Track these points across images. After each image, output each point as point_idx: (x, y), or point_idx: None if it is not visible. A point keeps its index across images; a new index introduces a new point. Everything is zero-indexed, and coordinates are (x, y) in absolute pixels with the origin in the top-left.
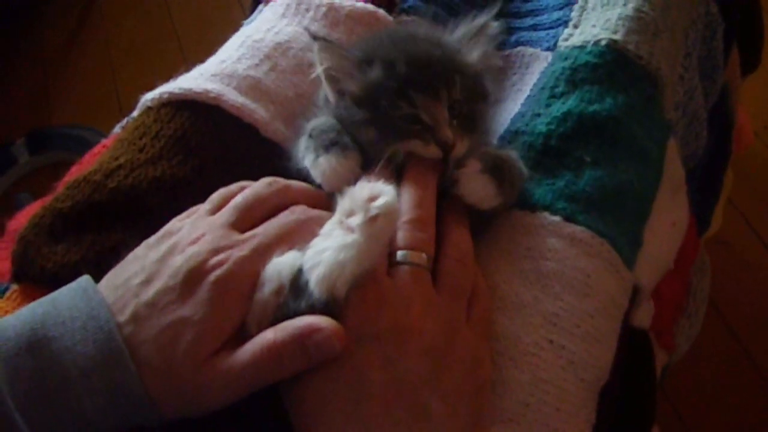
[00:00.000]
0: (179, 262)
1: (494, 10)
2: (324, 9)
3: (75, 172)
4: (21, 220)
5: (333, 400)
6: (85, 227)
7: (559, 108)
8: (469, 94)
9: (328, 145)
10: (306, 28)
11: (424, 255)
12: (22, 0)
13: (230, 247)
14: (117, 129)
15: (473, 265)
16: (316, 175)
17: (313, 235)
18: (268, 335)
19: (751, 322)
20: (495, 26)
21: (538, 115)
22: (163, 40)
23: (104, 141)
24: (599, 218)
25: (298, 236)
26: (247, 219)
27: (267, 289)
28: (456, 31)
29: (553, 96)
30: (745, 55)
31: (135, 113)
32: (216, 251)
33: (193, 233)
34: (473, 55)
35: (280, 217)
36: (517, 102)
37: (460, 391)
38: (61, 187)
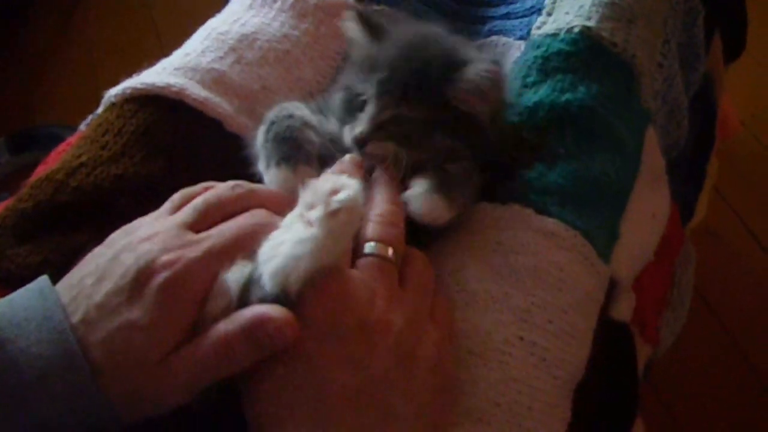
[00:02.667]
0: (130, 260)
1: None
2: (291, 0)
3: (40, 171)
4: None
5: (295, 401)
6: (49, 228)
7: (530, 98)
8: (430, 121)
9: (280, 158)
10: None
11: (391, 249)
12: (5, 2)
13: (182, 246)
14: (82, 126)
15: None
16: (267, 182)
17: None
18: (220, 328)
19: (739, 314)
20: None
21: (510, 105)
22: (144, 39)
23: (69, 138)
24: (573, 210)
25: (254, 241)
26: (205, 221)
27: (217, 304)
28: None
29: (525, 86)
30: (729, 42)
31: (99, 110)
32: (167, 250)
33: (148, 231)
34: (461, 89)
35: (237, 220)
36: None
37: (425, 391)
38: (25, 187)
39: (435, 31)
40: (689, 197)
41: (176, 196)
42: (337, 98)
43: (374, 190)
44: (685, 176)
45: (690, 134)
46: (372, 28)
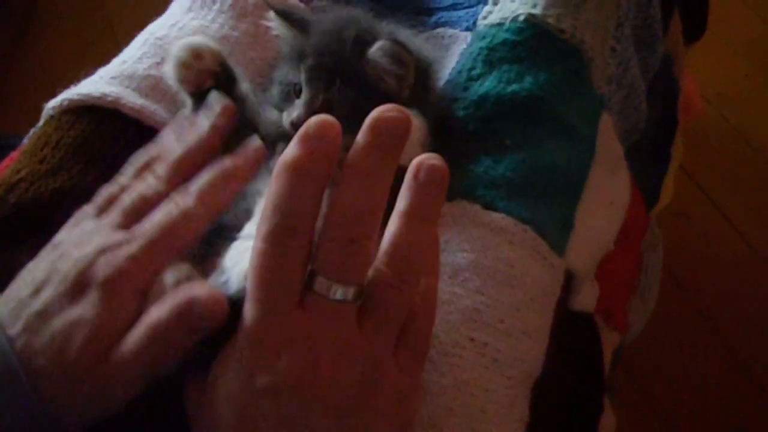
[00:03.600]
0: (67, 266)
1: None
2: (230, 0)
3: None
4: None
5: None
6: None
7: (476, 91)
8: (358, 102)
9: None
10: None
11: (352, 289)
12: None
13: (117, 245)
14: (25, 140)
15: (415, 284)
16: None
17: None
18: (152, 314)
19: (713, 295)
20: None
21: (456, 99)
22: (100, 42)
23: (13, 153)
24: (522, 204)
25: (185, 227)
26: (132, 219)
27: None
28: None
29: (470, 79)
30: (689, 22)
31: (40, 122)
32: (103, 251)
33: (81, 238)
34: (370, 66)
35: (163, 210)
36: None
37: None
38: None
39: (353, 14)
40: (654, 181)
41: (98, 199)
42: (273, 90)
43: (336, 197)
44: (649, 160)
45: (651, 117)
46: (294, 22)
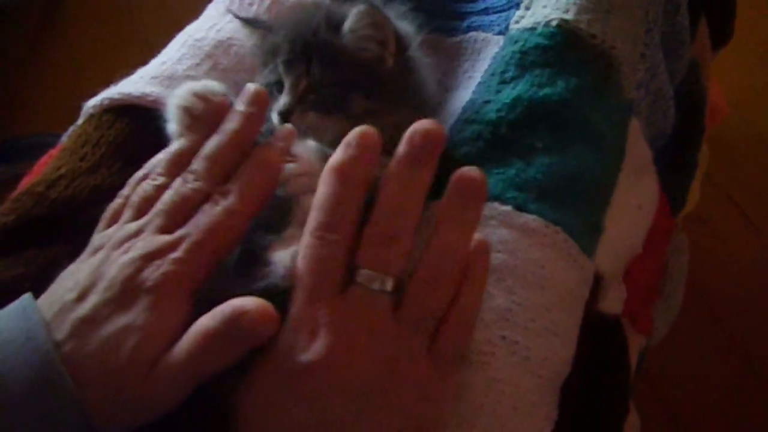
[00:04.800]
0: (113, 273)
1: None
2: (267, 2)
3: (24, 184)
4: None
5: (261, 423)
6: (28, 241)
7: (508, 94)
8: (340, 80)
9: None
10: (229, 9)
11: (390, 280)
12: None
13: (163, 250)
14: (64, 137)
15: (450, 285)
16: None
17: (240, 223)
18: (201, 324)
19: (733, 302)
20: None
21: (488, 102)
22: (128, 41)
23: (51, 150)
24: (552, 206)
25: (230, 226)
26: (174, 222)
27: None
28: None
29: (503, 81)
30: (716, 28)
31: (79, 121)
32: (149, 257)
33: (123, 242)
34: (351, 44)
35: (205, 211)
36: (468, 89)
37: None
38: (8, 200)
39: (314, 2)
40: (679, 186)
41: (134, 201)
42: None
43: (379, 195)
44: (675, 165)
45: (678, 122)
46: (259, 25)
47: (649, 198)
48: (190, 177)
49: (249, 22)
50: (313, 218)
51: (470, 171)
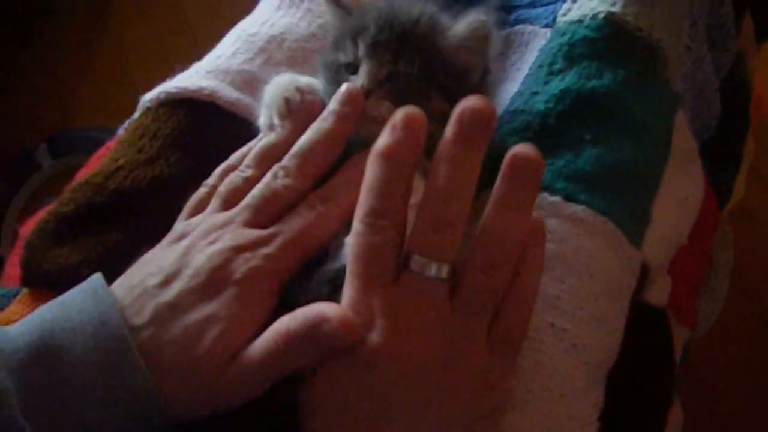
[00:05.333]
0: (200, 261)
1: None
2: None
3: (81, 175)
4: (31, 225)
5: (325, 416)
6: (87, 229)
7: (557, 85)
8: (426, 77)
9: None
10: None
11: (445, 267)
12: (35, 5)
13: (253, 245)
14: (120, 131)
15: (506, 270)
16: None
17: (335, 226)
18: (283, 323)
19: None
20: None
21: (536, 93)
22: (176, 35)
23: (108, 143)
24: (601, 196)
25: (321, 230)
26: (263, 216)
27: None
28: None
29: (551, 73)
30: (761, 21)
31: (136, 114)
32: (239, 249)
33: (210, 232)
34: (451, 49)
35: (300, 212)
36: (516, 82)
37: (455, 421)
38: (66, 191)
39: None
40: (725, 179)
41: (222, 191)
42: (320, 77)
43: (430, 178)
44: (720, 158)
45: (723, 115)
46: (342, 4)
47: (694, 190)
48: (281, 173)
49: (337, 2)
50: (362, 204)
51: (525, 148)
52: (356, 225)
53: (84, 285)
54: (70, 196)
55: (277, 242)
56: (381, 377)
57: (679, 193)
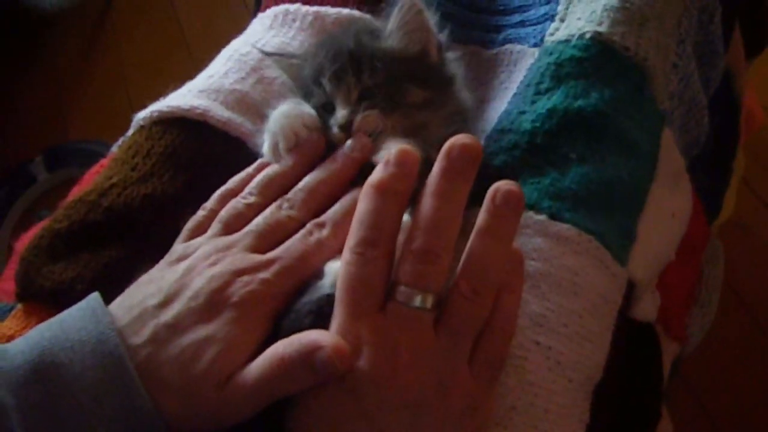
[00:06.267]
0: (200, 283)
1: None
2: (310, 18)
3: (75, 192)
4: (26, 240)
5: None
6: (81, 246)
7: (544, 104)
8: (391, 76)
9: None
10: (254, 46)
11: (430, 297)
12: (33, 18)
13: (253, 269)
14: (114, 148)
15: (489, 297)
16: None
17: (331, 254)
18: (278, 349)
19: None
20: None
21: (524, 112)
22: (173, 50)
23: (102, 161)
24: (587, 215)
25: (318, 257)
26: (265, 244)
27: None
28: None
29: (538, 93)
30: (750, 36)
31: (129, 132)
32: (238, 273)
33: (212, 255)
34: (397, 39)
35: (299, 239)
36: (505, 100)
37: None
38: (60, 208)
39: (348, 19)
40: (715, 194)
41: (224, 216)
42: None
43: (418, 211)
44: (710, 173)
45: (713, 131)
46: (291, 55)
47: (682, 206)
48: (286, 204)
49: (280, 55)
50: (353, 234)
51: (508, 185)
52: (346, 254)
53: (82, 304)
54: (64, 212)
55: (275, 268)
56: (369, 403)
57: (667, 210)
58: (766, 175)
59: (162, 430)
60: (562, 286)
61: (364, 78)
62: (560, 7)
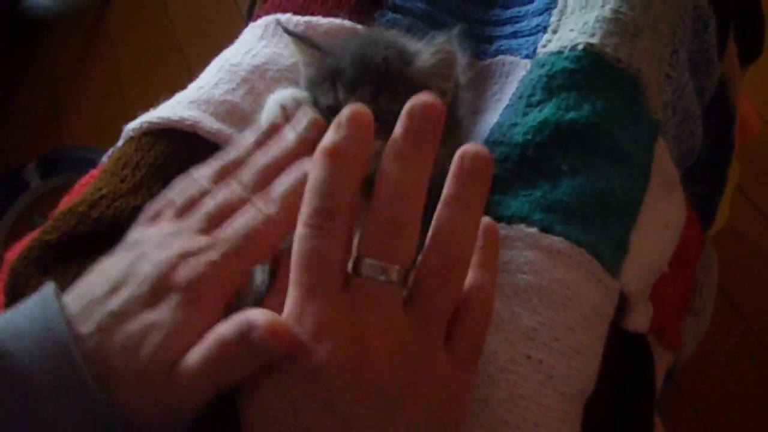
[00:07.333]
0: (147, 269)
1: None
2: (302, 28)
3: (65, 203)
4: (16, 250)
5: None
6: (71, 257)
7: (535, 117)
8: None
9: None
10: (279, 22)
11: (396, 268)
12: (29, 23)
13: (199, 250)
14: (104, 159)
15: (461, 271)
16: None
17: (283, 232)
18: (220, 329)
19: (766, 313)
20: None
21: (515, 124)
22: (168, 56)
23: (92, 171)
24: (578, 228)
25: (268, 235)
26: (215, 226)
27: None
28: (421, 44)
29: (529, 105)
30: (745, 44)
31: (119, 143)
32: (185, 256)
33: (161, 240)
34: (424, 78)
35: (246, 216)
36: (497, 112)
37: None
38: (50, 219)
39: (379, 33)
40: (709, 203)
41: (177, 201)
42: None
43: (380, 178)
44: (705, 182)
45: (707, 140)
46: (315, 45)
47: (676, 217)
48: (237, 186)
49: (304, 40)
50: (306, 205)
51: (475, 147)
52: (300, 228)
53: (36, 295)
54: (54, 224)
55: (222, 248)
56: (333, 391)
57: (660, 221)
58: (761, 182)
59: (114, 420)
60: (554, 299)
61: (380, 99)
62: (553, 19)
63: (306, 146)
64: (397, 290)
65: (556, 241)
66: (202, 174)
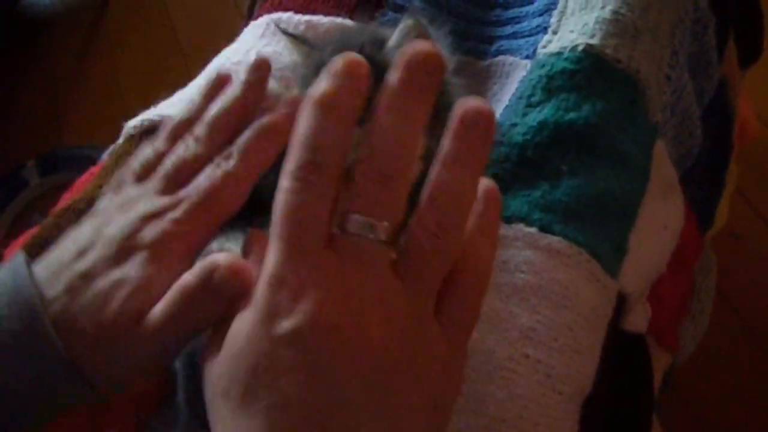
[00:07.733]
0: (112, 231)
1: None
2: (302, 27)
3: (65, 199)
4: (15, 247)
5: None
6: None
7: (535, 117)
8: None
9: None
10: (275, 23)
11: (385, 224)
12: (29, 23)
13: (162, 210)
14: (105, 156)
15: (456, 232)
16: None
17: (245, 187)
18: (184, 278)
19: (764, 316)
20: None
21: (515, 125)
22: (168, 56)
23: (92, 168)
24: (577, 228)
25: (228, 190)
26: (174, 185)
27: None
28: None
29: (529, 105)
30: (744, 46)
31: (119, 140)
32: (148, 217)
33: (124, 203)
34: (393, 48)
35: (206, 173)
36: (497, 112)
37: (409, 411)
38: (50, 216)
39: (358, 25)
40: (708, 205)
41: (136, 166)
42: None
43: (370, 129)
44: (703, 184)
45: (706, 142)
46: (305, 41)
47: (674, 218)
48: (191, 142)
49: (296, 39)
50: (292, 158)
51: (476, 102)
52: (284, 182)
53: (7, 261)
54: (54, 221)
55: (184, 206)
56: (320, 357)
57: (658, 223)
58: (761, 184)
59: (79, 380)
60: (553, 299)
61: None
62: (553, 20)
63: (254, 90)
64: (386, 250)
65: (555, 240)
66: (158, 137)
